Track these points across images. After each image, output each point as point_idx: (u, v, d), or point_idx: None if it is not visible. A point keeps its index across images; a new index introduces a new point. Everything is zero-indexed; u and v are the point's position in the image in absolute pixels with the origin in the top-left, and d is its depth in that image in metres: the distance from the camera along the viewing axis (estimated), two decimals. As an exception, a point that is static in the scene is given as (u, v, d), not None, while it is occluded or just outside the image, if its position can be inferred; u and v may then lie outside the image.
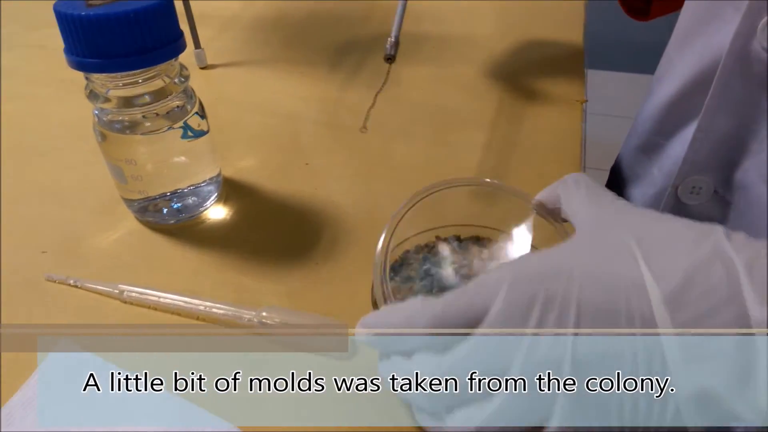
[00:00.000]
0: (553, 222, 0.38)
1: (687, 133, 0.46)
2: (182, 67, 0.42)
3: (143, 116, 0.40)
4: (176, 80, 0.41)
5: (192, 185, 0.45)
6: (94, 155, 0.43)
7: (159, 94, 0.40)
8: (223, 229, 0.46)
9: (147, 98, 0.40)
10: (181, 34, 0.40)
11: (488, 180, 0.40)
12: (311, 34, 0.72)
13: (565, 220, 0.36)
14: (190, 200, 0.46)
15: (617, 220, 0.29)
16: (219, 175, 0.48)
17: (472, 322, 0.26)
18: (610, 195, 0.31)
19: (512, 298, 0.26)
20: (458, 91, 0.61)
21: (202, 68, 0.64)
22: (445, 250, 0.43)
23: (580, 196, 0.32)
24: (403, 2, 0.49)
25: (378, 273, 0.35)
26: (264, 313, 0.38)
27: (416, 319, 0.28)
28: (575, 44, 0.68)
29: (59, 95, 0.62)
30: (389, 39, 0.48)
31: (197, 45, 0.63)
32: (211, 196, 0.47)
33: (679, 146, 0.48)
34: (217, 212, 0.47)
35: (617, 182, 0.63)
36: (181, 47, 0.40)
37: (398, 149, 0.53)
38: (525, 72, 0.63)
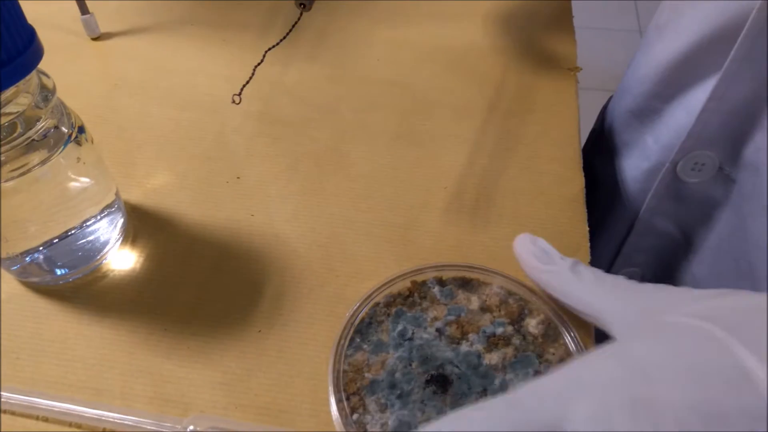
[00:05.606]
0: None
1: (693, 99, 0.40)
2: (41, 74, 0.29)
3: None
4: (39, 99, 0.29)
5: (80, 225, 0.33)
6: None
7: (25, 123, 0.28)
8: (132, 285, 0.34)
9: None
10: (32, 35, 0.27)
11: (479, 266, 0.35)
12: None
13: None
14: (83, 245, 0.34)
15: (664, 304, 0.25)
16: (117, 199, 0.36)
17: None
18: (617, 278, 0.28)
19: (592, 409, 0.21)
20: (427, 63, 0.49)
21: (94, 39, 0.50)
22: (424, 301, 0.34)
23: (584, 284, 0.29)
24: None
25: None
26: (191, 428, 0.28)
27: None
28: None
29: None
30: None
31: (84, 10, 0.48)
32: (110, 234, 0.35)
33: (682, 114, 0.42)
34: (122, 259, 0.35)
35: (601, 149, 0.54)
36: (36, 55, 0.27)
37: (355, 149, 0.42)
38: (506, 37, 0.51)
